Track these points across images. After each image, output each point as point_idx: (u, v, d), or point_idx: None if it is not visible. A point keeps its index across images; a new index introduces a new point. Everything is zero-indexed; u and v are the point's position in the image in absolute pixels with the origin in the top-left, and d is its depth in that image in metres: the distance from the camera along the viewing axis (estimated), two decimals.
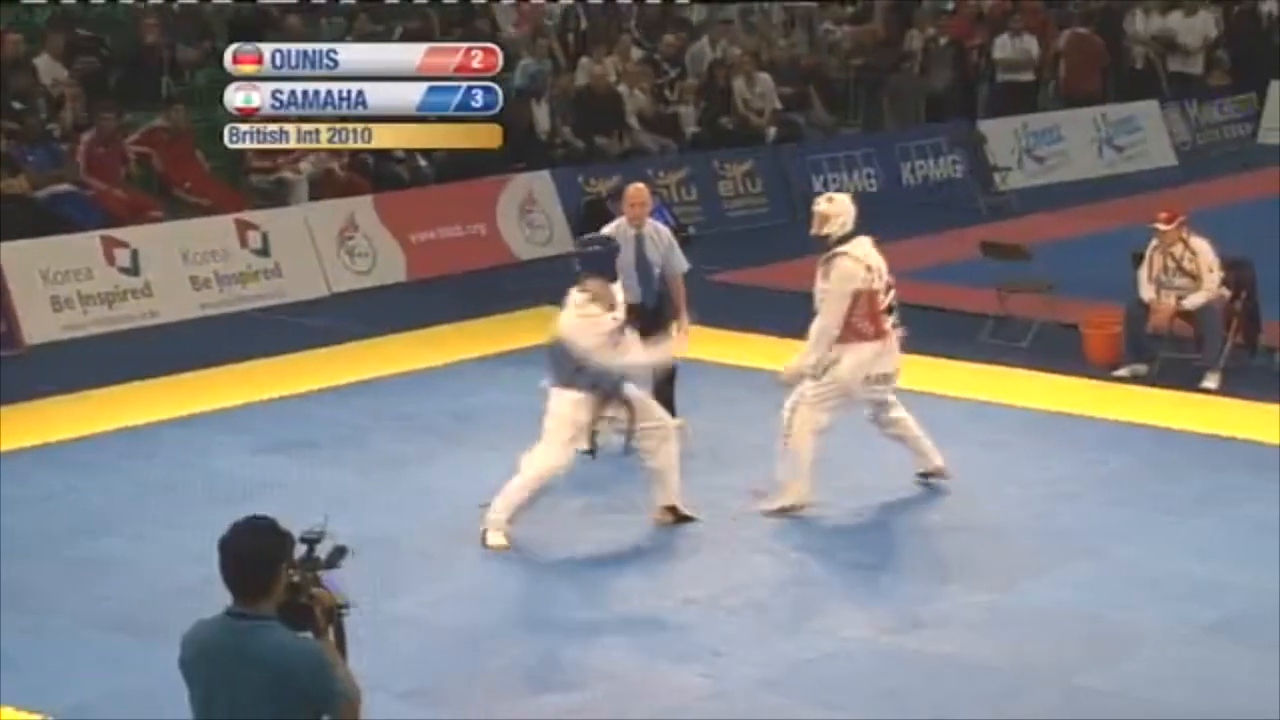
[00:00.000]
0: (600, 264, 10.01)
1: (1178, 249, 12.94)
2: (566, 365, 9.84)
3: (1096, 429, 11.92)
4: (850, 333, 10.15)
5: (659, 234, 11.67)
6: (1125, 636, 8.70)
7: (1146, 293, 13.00)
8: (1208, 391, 12.63)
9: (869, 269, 10.20)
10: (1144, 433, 11.83)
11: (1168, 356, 13.05)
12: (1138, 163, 22.10)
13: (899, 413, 10.54)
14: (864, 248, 10.29)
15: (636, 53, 20.41)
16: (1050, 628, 8.83)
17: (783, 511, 10.22)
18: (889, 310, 10.27)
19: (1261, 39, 24.39)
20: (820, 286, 10.28)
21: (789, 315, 13.34)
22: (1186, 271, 12.93)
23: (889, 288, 10.28)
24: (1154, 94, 23.00)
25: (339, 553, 5.22)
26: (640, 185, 12.15)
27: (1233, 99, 23.78)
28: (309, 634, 5.11)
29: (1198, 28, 23.36)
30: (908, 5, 23.44)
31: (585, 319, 9.78)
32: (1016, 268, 14.27)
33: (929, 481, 10.68)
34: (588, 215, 18.06)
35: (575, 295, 9.91)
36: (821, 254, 10.32)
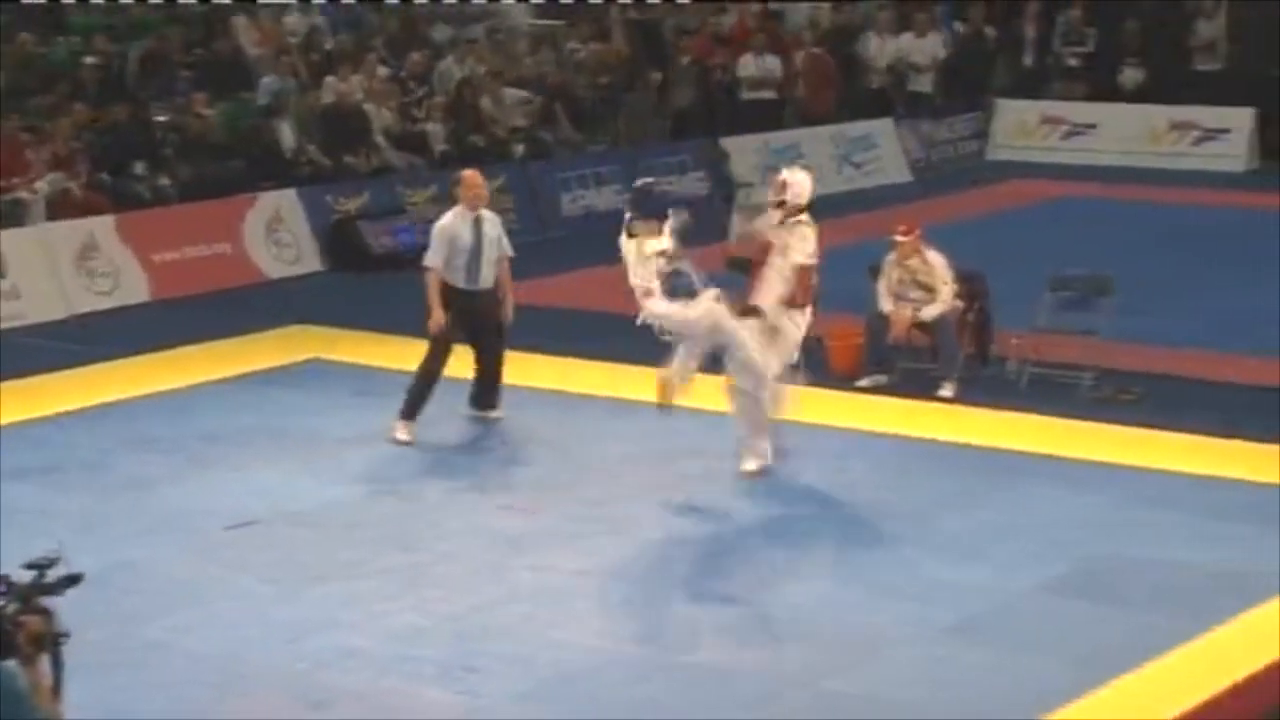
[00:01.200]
0: (652, 206, 10.74)
1: (914, 262, 13.29)
2: (692, 281, 10.58)
3: (840, 438, 12.09)
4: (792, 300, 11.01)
5: (494, 218, 12.28)
6: (869, 640, 8.83)
7: (885, 305, 13.33)
8: (944, 400, 12.92)
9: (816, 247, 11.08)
10: (885, 441, 12.07)
11: (906, 367, 13.36)
12: (875, 179, 22.65)
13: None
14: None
15: (383, 71, 20.32)
16: (797, 633, 8.93)
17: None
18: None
19: (987, 59, 25.23)
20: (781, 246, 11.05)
21: (539, 331, 13.48)
22: (922, 284, 13.28)
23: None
24: (889, 112, 23.63)
25: (67, 581, 5.11)
26: (475, 170, 12.72)
27: (963, 117, 24.54)
28: (10, 661, 4.93)
29: (928, 48, 24.07)
30: (649, 24, 23.76)
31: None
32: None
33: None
34: (336, 234, 17.99)
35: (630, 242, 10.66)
36: (780, 218, 11.12)
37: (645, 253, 10.67)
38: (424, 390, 11.98)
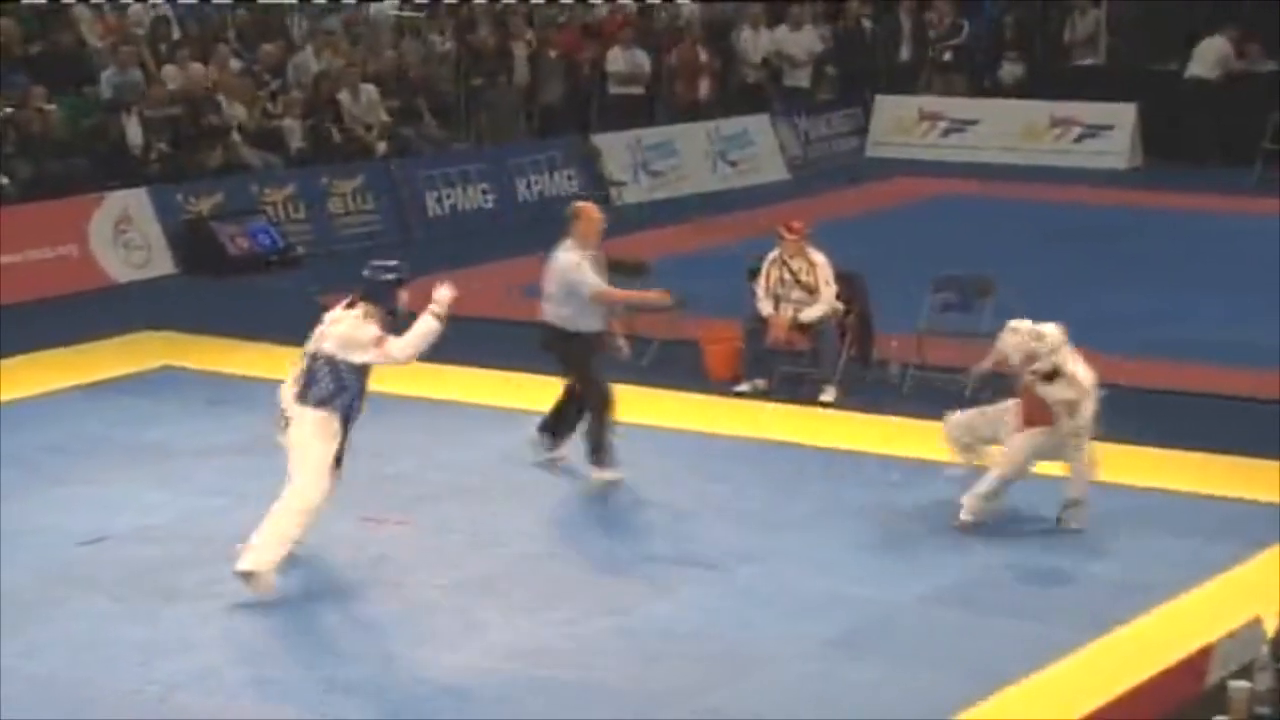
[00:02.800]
0: (383, 293, 9.54)
1: (796, 262, 13.04)
2: (326, 383, 9.45)
3: (719, 445, 11.97)
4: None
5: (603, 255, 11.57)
6: (750, 655, 8.73)
7: (765, 307, 13.08)
8: (825, 405, 12.79)
9: None
10: (765, 448, 11.91)
11: (786, 371, 13.18)
12: (751, 177, 22.50)
13: None
14: None
15: (235, 64, 19.82)
16: (675, 649, 8.81)
17: None
18: None
19: (866, 53, 25.09)
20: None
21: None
22: (803, 284, 13.04)
23: None
24: (765, 108, 23.42)
25: None
26: (592, 203, 11.83)
27: (841, 113, 24.39)
28: None
29: (804, 42, 23.88)
30: (512, 18, 23.34)
31: (358, 330, 9.43)
32: (637, 283, 14.19)
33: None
34: (188, 235, 17.51)
35: (348, 312, 9.51)
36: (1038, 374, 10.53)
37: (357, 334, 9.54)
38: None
